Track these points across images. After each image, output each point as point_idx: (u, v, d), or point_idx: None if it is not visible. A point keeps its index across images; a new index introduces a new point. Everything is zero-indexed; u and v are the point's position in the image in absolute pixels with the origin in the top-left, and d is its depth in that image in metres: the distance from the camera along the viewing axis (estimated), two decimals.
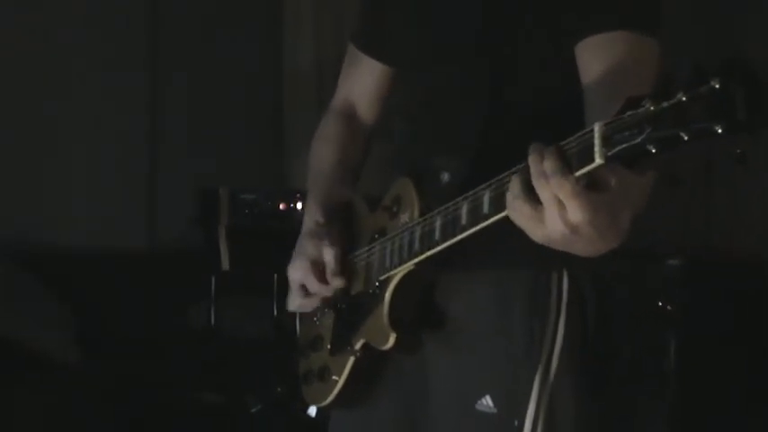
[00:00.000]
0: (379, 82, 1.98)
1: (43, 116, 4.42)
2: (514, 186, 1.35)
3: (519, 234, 1.41)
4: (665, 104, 1.15)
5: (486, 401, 1.67)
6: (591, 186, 1.30)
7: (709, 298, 3.76)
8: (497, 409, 1.66)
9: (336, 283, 1.80)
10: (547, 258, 1.61)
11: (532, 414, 1.66)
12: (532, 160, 1.32)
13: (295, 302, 1.88)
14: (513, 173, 1.38)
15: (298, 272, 1.85)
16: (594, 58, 1.58)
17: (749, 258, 4.06)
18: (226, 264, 4.14)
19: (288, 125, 4.97)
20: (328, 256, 1.80)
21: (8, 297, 3.95)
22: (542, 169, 1.30)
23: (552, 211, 1.31)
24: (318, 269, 1.81)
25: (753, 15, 4.29)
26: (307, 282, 1.83)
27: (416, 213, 1.66)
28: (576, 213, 1.30)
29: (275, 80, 4.98)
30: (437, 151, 1.72)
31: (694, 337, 3.69)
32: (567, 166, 1.29)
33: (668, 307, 3.67)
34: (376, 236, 1.77)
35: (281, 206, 4.17)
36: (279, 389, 4.05)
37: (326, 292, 1.82)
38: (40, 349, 3.84)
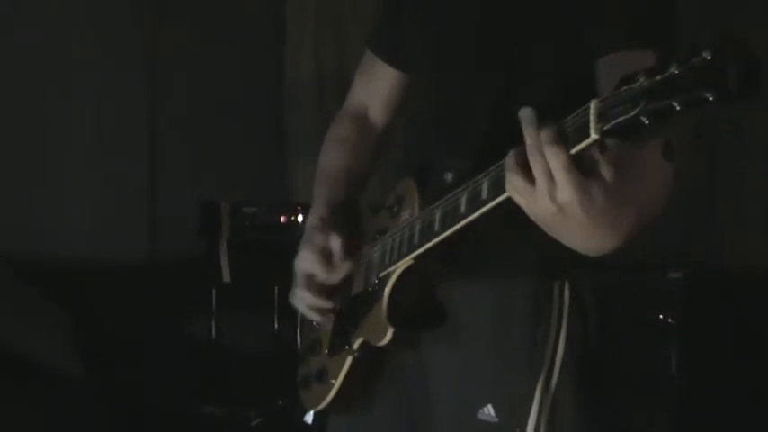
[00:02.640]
0: (393, 87, 2.01)
1: (45, 127, 4.43)
2: (509, 159, 1.36)
3: (521, 241, 1.42)
4: (658, 77, 1.17)
5: (488, 410, 1.67)
6: (584, 173, 1.31)
7: (709, 310, 3.77)
8: (499, 418, 1.66)
9: (344, 267, 1.80)
10: (549, 269, 1.61)
11: (534, 423, 1.66)
12: (527, 130, 1.33)
13: (299, 294, 1.87)
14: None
15: (305, 262, 1.84)
16: (612, 75, 1.58)
17: (750, 271, 4.07)
18: (227, 276, 4.15)
19: (289, 138, 4.98)
20: (335, 242, 1.81)
21: (9, 307, 3.95)
22: (538, 140, 1.31)
23: (542, 184, 1.31)
24: (326, 257, 1.82)
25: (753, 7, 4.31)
26: (314, 270, 1.82)
27: (417, 211, 1.67)
28: (564, 190, 1.30)
29: (276, 92, 4.99)
30: (441, 153, 1.72)
31: (695, 349, 3.69)
32: (564, 138, 1.29)
33: (669, 320, 3.67)
34: (377, 236, 1.78)
35: (282, 219, 4.19)
36: (279, 401, 4.05)
37: (334, 279, 1.82)
38: (40, 360, 3.84)
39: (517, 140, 1.37)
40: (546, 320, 1.68)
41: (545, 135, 1.30)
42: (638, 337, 3.65)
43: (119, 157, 4.60)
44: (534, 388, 1.66)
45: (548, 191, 1.31)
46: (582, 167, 1.30)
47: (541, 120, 1.33)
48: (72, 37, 4.50)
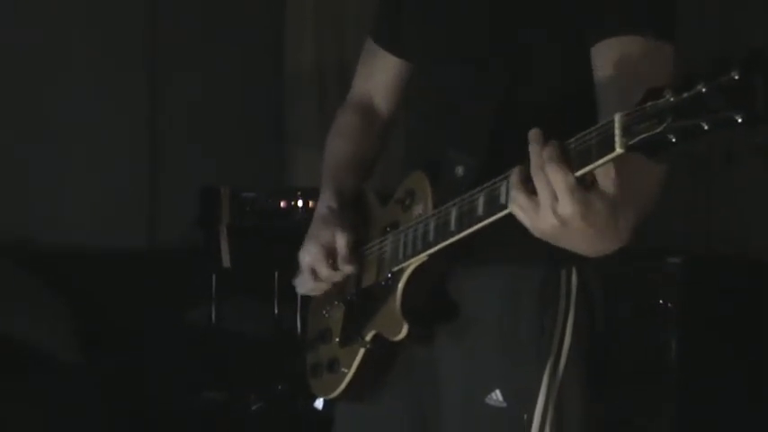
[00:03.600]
0: (396, 76, 2.00)
1: (43, 115, 4.43)
2: (513, 176, 1.39)
3: (526, 229, 1.43)
4: (685, 95, 1.17)
5: (497, 396, 1.68)
6: (587, 185, 1.33)
7: (709, 295, 3.77)
8: (507, 403, 1.68)
9: (347, 269, 1.81)
10: (556, 256, 1.62)
11: (541, 408, 1.67)
12: (532, 149, 1.35)
13: (304, 285, 1.88)
14: None
15: (309, 256, 1.85)
16: (609, 60, 1.59)
17: (750, 256, 4.07)
18: (227, 262, 4.14)
19: (289, 124, 4.97)
20: (340, 241, 1.81)
21: (9, 295, 3.95)
22: (540, 159, 1.33)
23: (545, 201, 1.34)
24: (330, 255, 1.82)
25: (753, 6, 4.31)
26: (317, 267, 1.83)
27: (430, 206, 1.67)
28: (566, 206, 1.33)
29: (276, 79, 4.99)
30: (451, 145, 1.72)
31: (694, 334, 3.70)
32: (566, 157, 1.32)
33: (669, 305, 3.68)
34: (388, 229, 1.78)
35: (282, 204, 4.18)
36: (280, 386, 4.06)
37: (336, 278, 1.83)
38: (40, 348, 3.84)
39: (525, 133, 1.39)
40: (554, 308, 1.70)
41: (547, 153, 1.33)
42: (638, 323, 3.66)
43: (118, 145, 4.60)
44: (542, 374, 1.68)
45: (550, 207, 1.34)
46: (586, 181, 1.32)
47: (546, 137, 1.35)
48: (72, 37, 4.49)
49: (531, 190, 1.36)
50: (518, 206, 1.38)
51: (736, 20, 4.33)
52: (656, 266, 3.74)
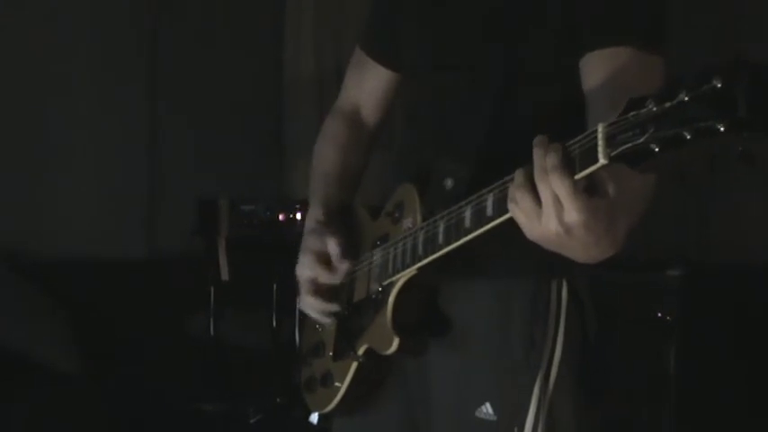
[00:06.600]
0: (385, 87, 2.00)
1: (44, 126, 4.44)
2: (518, 177, 1.36)
3: (519, 242, 1.42)
4: (667, 104, 1.16)
5: (486, 409, 1.67)
6: (590, 191, 1.32)
7: (708, 309, 3.76)
8: (497, 416, 1.67)
9: (343, 267, 1.81)
10: (547, 267, 1.62)
11: (532, 421, 1.66)
12: (536, 153, 1.33)
13: (306, 301, 1.88)
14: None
15: (305, 268, 1.85)
16: (598, 71, 1.59)
17: (748, 268, 4.06)
18: (225, 274, 4.15)
19: (288, 136, 4.98)
20: (332, 245, 1.82)
21: (8, 306, 3.95)
22: (544, 164, 1.31)
23: (549, 207, 1.32)
24: (324, 260, 1.83)
25: (753, 15, 4.30)
26: (316, 274, 1.84)
27: (419, 219, 1.67)
28: (571, 213, 1.31)
29: (275, 91, 5.00)
30: (441, 157, 1.72)
31: (693, 347, 3.69)
32: (569, 164, 1.30)
33: (667, 318, 3.67)
34: (378, 242, 1.78)
35: (281, 217, 4.19)
36: (278, 399, 4.06)
37: (336, 279, 1.83)
38: (40, 359, 3.84)
39: (516, 148, 1.38)
40: (544, 320, 1.69)
41: (550, 160, 1.31)
42: (637, 336, 3.65)
43: (118, 156, 4.61)
44: (532, 386, 1.67)
45: (555, 213, 1.32)
46: (587, 187, 1.31)
47: (550, 141, 1.33)
48: (72, 37, 4.50)
49: (535, 192, 1.34)
50: (520, 209, 1.36)
51: (735, 20, 4.32)
52: (654, 279, 3.73)
